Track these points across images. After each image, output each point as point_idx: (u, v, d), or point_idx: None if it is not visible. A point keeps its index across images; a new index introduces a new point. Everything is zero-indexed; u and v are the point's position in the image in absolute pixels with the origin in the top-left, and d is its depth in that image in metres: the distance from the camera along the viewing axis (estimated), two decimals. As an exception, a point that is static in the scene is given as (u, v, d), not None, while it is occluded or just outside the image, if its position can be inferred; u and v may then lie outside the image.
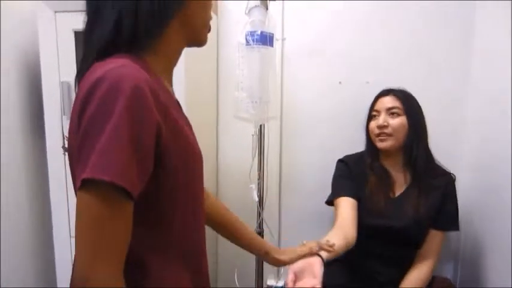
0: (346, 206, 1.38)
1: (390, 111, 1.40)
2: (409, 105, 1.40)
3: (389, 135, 1.39)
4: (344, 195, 1.41)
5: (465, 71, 1.70)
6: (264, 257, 1.08)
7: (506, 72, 1.38)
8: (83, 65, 0.66)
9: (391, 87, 1.48)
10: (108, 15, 0.64)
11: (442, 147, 1.56)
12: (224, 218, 1.06)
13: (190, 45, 0.78)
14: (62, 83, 1.46)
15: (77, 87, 0.67)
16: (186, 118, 0.75)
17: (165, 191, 0.65)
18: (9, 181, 1.47)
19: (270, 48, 1.33)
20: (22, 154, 1.53)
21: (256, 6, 1.32)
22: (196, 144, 0.74)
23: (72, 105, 0.66)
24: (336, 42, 1.77)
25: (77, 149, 0.57)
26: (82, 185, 0.55)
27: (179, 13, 0.70)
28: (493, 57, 1.54)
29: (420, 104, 1.46)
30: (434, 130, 1.50)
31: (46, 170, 1.52)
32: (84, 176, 0.54)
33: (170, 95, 0.73)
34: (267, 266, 1.37)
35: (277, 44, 1.70)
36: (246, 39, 1.31)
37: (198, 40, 0.78)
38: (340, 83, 1.80)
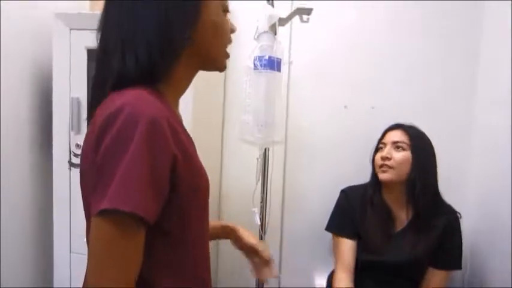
0: (349, 248, 1.43)
1: (396, 145, 1.40)
2: (417, 141, 1.40)
3: (390, 167, 1.38)
4: (345, 236, 1.45)
5: (470, 100, 1.71)
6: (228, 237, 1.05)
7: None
8: (97, 93, 0.68)
9: (402, 123, 1.47)
10: (122, 48, 0.66)
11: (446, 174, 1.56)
12: None
13: (207, 70, 0.79)
14: (72, 99, 1.48)
15: (91, 114, 0.69)
16: (193, 142, 0.77)
17: (176, 214, 0.67)
18: (14, 192, 1.48)
19: (277, 73, 1.35)
20: (29, 166, 1.55)
21: (265, 31, 1.34)
22: (204, 170, 0.75)
23: (87, 128, 0.68)
24: (342, 67, 1.79)
25: (96, 176, 0.59)
26: (100, 213, 0.56)
27: (190, 46, 0.70)
28: (497, 89, 1.55)
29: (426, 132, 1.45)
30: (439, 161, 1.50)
31: (51, 184, 1.53)
32: (104, 206, 0.56)
33: (181, 123, 0.74)
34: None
35: (284, 66, 1.73)
36: (254, 63, 1.34)
37: (214, 68, 0.79)
38: (345, 107, 1.81)
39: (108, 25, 0.69)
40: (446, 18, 1.72)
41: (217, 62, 0.78)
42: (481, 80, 1.68)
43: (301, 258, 1.87)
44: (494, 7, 1.62)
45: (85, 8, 1.55)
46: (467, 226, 1.62)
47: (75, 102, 1.48)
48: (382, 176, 1.41)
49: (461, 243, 1.41)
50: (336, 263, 1.46)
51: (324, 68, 1.80)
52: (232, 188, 1.88)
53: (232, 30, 0.80)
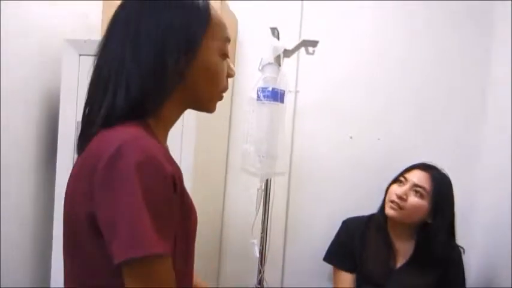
0: (347, 281, 1.42)
1: (416, 188, 1.35)
2: (438, 191, 1.35)
3: (401, 208, 1.35)
4: (344, 269, 1.44)
5: (478, 132, 1.70)
6: None
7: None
8: (88, 128, 0.69)
9: (431, 164, 1.42)
10: (116, 79, 0.67)
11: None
12: None
13: (196, 110, 0.79)
14: (77, 123, 1.50)
15: (81, 145, 0.70)
16: (180, 169, 0.76)
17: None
18: (15, 216, 1.48)
19: (280, 104, 1.35)
20: (32, 188, 1.56)
21: (269, 63, 1.35)
22: (194, 208, 0.75)
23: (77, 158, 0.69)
24: (349, 97, 1.79)
25: (104, 223, 0.59)
26: (123, 264, 0.57)
27: (182, 84, 0.70)
28: (507, 123, 1.53)
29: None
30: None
31: (52, 206, 1.53)
32: (122, 258, 0.56)
33: (170, 157, 0.74)
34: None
35: (290, 96, 1.74)
36: (257, 94, 1.34)
37: (203, 109, 0.78)
38: (351, 137, 1.80)
39: (107, 54, 0.71)
40: (453, 53, 1.73)
41: (206, 104, 0.78)
42: (490, 113, 1.66)
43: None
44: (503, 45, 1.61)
45: (95, 34, 1.59)
46: (474, 259, 1.58)
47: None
48: (389, 212, 1.38)
49: (464, 278, 1.38)
50: None
51: (331, 98, 1.80)
52: (234, 218, 1.86)
53: (230, 75, 0.79)
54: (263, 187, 1.42)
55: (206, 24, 0.71)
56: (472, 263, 1.61)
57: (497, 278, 1.48)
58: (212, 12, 0.73)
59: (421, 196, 1.34)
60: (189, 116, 1.22)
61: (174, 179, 0.63)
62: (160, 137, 0.73)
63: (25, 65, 1.47)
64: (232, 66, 0.79)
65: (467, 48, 1.71)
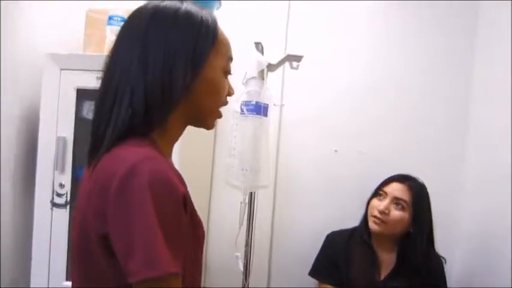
0: None
1: (396, 201, 1.37)
2: (417, 202, 1.37)
3: (384, 222, 1.36)
4: (329, 283, 1.44)
5: (461, 143, 1.72)
6: None
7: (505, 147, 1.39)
8: (99, 144, 0.68)
9: (407, 175, 1.44)
10: (123, 93, 0.68)
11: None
12: None
13: (196, 125, 0.80)
14: (58, 138, 1.47)
15: (92, 160, 0.69)
16: (186, 186, 0.76)
17: None
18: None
19: (264, 118, 1.36)
20: (11, 204, 1.52)
21: (253, 77, 1.35)
22: (202, 222, 0.76)
23: (87, 173, 0.71)
24: (334, 111, 1.81)
25: (118, 242, 0.60)
26: (139, 283, 0.58)
27: (186, 98, 0.71)
28: (490, 132, 1.56)
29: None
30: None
31: (31, 223, 1.50)
32: (143, 276, 0.57)
33: (176, 171, 0.74)
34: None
35: (275, 110, 1.74)
36: (241, 108, 1.34)
37: (203, 124, 0.80)
38: (335, 151, 1.81)
39: (113, 68, 0.70)
40: (434, 61, 1.76)
41: (207, 119, 0.79)
42: (473, 123, 1.70)
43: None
44: (484, 61, 1.66)
45: (77, 48, 1.57)
46: (455, 268, 1.61)
47: (61, 142, 1.47)
48: (373, 227, 1.39)
49: (446, 287, 1.40)
50: None
51: (315, 111, 1.82)
52: (219, 231, 1.84)
53: (230, 93, 0.81)
54: (246, 200, 1.42)
55: (213, 41, 0.73)
56: (454, 272, 1.62)
57: (479, 286, 1.49)
58: (219, 30, 0.75)
59: (402, 208, 1.36)
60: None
61: (185, 199, 0.64)
62: (166, 153, 0.73)
63: (4, 80, 1.45)
64: (230, 84, 0.80)
65: (449, 62, 1.74)
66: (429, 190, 1.44)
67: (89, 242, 0.64)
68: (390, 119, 1.77)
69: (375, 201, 1.42)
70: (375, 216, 1.38)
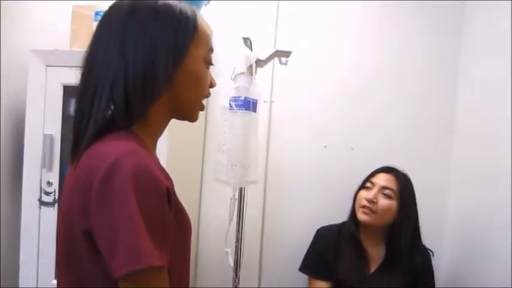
0: None
1: (384, 191, 1.39)
2: (404, 191, 1.39)
3: (373, 212, 1.37)
4: (319, 278, 1.44)
5: (448, 136, 1.74)
6: None
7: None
8: (81, 140, 0.68)
9: (393, 166, 1.47)
10: (103, 87, 0.67)
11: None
12: None
13: (180, 118, 0.79)
14: (45, 136, 1.46)
15: (74, 156, 0.69)
16: (171, 180, 0.75)
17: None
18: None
19: (253, 113, 1.35)
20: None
21: (242, 73, 1.35)
22: (187, 214, 0.75)
23: (70, 168, 0.70)
24: (324, 107, 1.81)
25: (98, 232, 0.59)
26: (123, 277, 0.57)
27: (167, 90, 0.71)
28: (475, 124, 1.58)
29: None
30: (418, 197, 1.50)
31: (19, 222, 1.48)
32: (126, 270, 0.56)
33: (160, 165, 0.73)
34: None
35: (265, 106, 1.74)
36: (230, 104, 1.34)
37: (187, 116, 0.79)
38: (325, 147, 1.81)
39: (93, 62, 0.70)
40: (422, 59, 1.77)
41: (190, 110, 0.78)
42: (460, 114, 1.72)
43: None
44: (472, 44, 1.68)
45: (63, 44, 1.55)
46: (444, 261, 1.63)
47: (48, 139, 1.45)
48: (362, 217, 1.39)
49: (434, 280, 1.42)
50: None
51: (305, 108, 1.82)
52: (210, 227, 1.84)
53: (212, 85, 0.80)
54: (236, 196, 1.41)
55: (193, 32, 0.72)
56: (442, 266, 1.65)
57: (467, 280, 1.51)
58: (199, 20, 0.74)
59: (390, 197, 1.38)
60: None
61: (169, 192, 0.63)
62: (149, 146, 0.73)
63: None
64: (212, 75, 0.80)
65: (438, 47, 1.76)
66: (418, 185, 1.46)
67: (74, 239, 0.63)
68: (380, 115, 1.78)
69: (363, 193, 1.43)
70: (363, 207, 1.39)
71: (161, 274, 0.60)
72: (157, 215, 0.61)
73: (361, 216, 1.39)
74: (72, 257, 0.66)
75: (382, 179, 1.41)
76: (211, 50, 0.77)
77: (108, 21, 0.71)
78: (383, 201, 1.37)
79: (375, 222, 1.37)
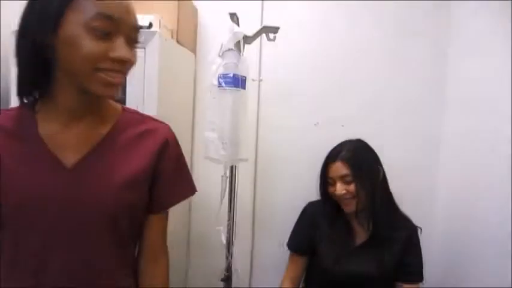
0: (296, 265, 1.51)
1: (344, 180, 1.38)
2: (358, 169, 1.37)
3: (352, 198, 1.37)
4: (297, 253, 1.51)
5: (439, 113, 1.76)
6: None
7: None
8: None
9: (339, 149, 1.43)
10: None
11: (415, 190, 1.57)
12: None
13: (88, 92, 0.73)
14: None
15: None
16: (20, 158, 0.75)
17: None
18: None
19: (242, 90, 1.34)
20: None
21: (229, 49, 1.33)
22: (16, 186, 0.73)
23: None
24: (313, 84, 1.80)
25: None
26: None
27: (54, 61, 0.72)
28: (466, 99, 1.59)
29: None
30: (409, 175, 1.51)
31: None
32: None
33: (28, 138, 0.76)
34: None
35: (254, 84, 1.73)
36: (218, 81, 1.32)
37: (87, 89, 0.72)
38: (315, 124, 1.81)
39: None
40: (412, 37, 1.77)
41: (85, 82, 0.72)
42: (450, 90, 1.73)
43: (272, 276, 1.82)
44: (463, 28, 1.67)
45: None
46: (435, 244, 1.66)
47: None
48: (349, 209, 1.39)
49: (421, 255, 1.43)
50: (284, 276, 1.51)
51: (295, 85, 1.81)
52: (201, 206, 1.84)
53: (109, 56, 0.70)
54: (227, 174, 1.42)
55: None
56: (434, 248, 1.68)
57: (457, 262, 1.56)
58: None
59: (351, 181, 1.36)
60: (150, 106, 1.20)
61: None
62: (56, 122, 0.77)
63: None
64: (123, 48, 0.71)
65: (428, 32, 1.76)
66: (407, 165, 1.46)
67: None
68: (369, 91, 1.78)
69: (331, 189, 1.42)
70: (343, 200, 1.39)
71: None
72: None
73: (347, 208, 1.39)
74: None
75: (334, 171, 1.40)
76: (101, 15, 0.69)
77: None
78: (351, 187, 1.36)
79: (360, 205, 1.37)
